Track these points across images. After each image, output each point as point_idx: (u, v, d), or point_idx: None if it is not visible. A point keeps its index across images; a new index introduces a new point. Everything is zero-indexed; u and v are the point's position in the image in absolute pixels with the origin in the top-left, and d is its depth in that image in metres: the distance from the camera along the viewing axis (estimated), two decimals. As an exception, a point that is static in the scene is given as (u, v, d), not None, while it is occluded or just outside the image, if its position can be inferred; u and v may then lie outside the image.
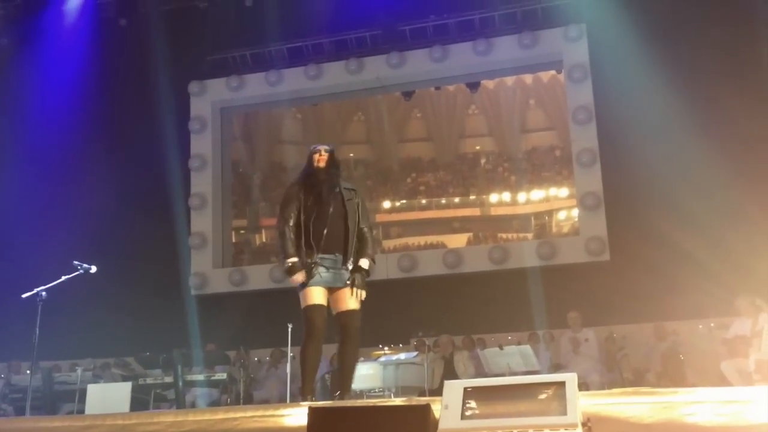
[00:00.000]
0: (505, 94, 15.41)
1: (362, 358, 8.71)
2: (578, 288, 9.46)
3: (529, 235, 14.59)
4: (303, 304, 4.63)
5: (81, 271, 6.37)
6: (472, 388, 3.29)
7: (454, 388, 3.29)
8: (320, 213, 4.62)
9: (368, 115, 16.41)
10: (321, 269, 4.58)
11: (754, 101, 9.28)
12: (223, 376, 8.41)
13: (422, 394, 7.75)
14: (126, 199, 11.12)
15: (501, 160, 16.16)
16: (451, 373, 8.48)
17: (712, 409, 3.01)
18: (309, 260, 4.58)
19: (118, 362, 9.56)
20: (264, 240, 15.48)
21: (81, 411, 6.93)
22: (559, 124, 14.50)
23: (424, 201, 16.18)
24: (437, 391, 7.27)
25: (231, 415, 3.84)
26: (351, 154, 16.74)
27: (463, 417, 3.18)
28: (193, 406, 8.28)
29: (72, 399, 7.95)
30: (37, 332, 6.07)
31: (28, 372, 8.36)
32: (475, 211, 15.87)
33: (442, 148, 16.65)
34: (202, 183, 12.25)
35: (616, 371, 8.44)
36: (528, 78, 14.60)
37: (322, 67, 12.05)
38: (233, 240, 13.49)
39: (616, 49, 10.09)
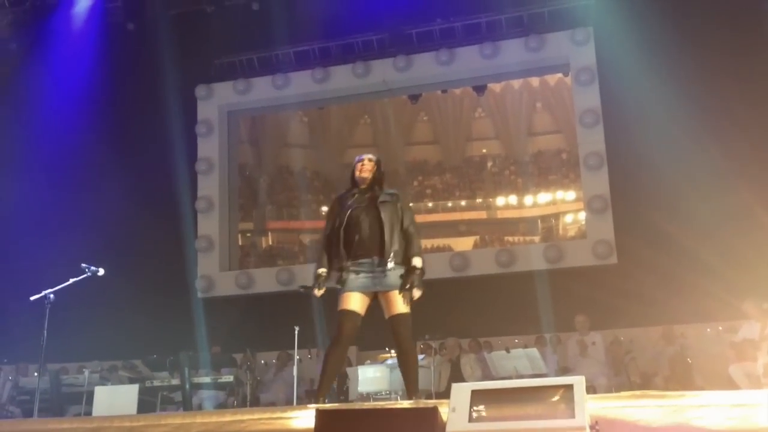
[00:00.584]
0: (512, 97, 15.40)
1: (368, 361, 8.75)
2: (585, 291, 9.43)
3: (536, 239, 14.57)
4: (338, 309, 4.60)
5: (89, 273, 6.39)
6: (480, 390, 3.28)
7: (461, 391, 3.29)
8: (351, 220, 4.57)
9: (375, 119, 16.43)
10: (352, 275, 4.52)
11: (761, 104, 9.25)
12: (229, 378, 8.43)
13: (429, 397, 7.73)
14: (133, 201, 11.15)
15: (508, 163, 16.15)
16: (457, 376, 8.47)
17: (721, 413, 3.00)
18: (340, 267, 4.56)
19: (125, 365, 9.58)
20: (270, 243, 15.51)
21: (88, 413, 6.94)
22: (565, 128, 14.47)
23: (430, 204, 16.18)
24: (444, 394, 7.26)
25: (238, 417, 3.84)
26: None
27: (470, 420, 3.18)
28: (199, 408, 8.30)
29: (79, 401, 7.97)
30: (45, 334, 6.09)
31: (35, 374, 8.39)
32: (482, 215, 15.86)
33: (449, 152, 16.65)
34: (209, 186, 12.29)
35: (624, 375, 8.41)
36: (535, 81, 14.60)
37: (329, 70, 12.08)
38: (240, 243, 13.52)
39: (623, 53, 10.07)
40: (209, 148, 12.44)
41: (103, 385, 7.98)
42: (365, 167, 4.73)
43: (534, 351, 7.82)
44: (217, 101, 12.57)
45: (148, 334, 9.99)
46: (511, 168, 16.08)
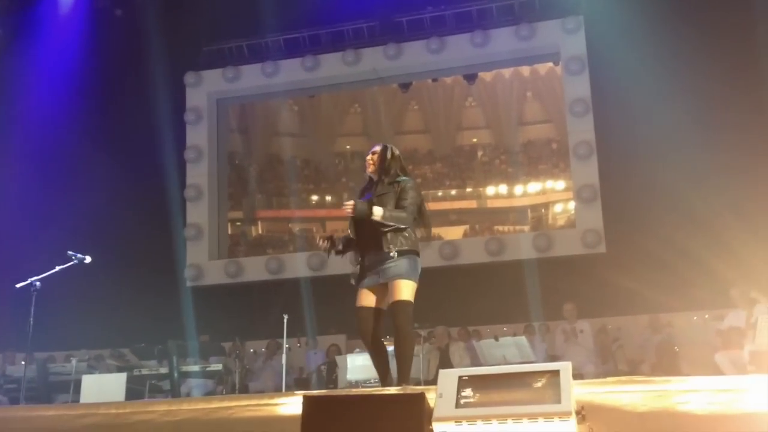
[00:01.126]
0: (502, 86, 15.37)
1: (357, 350, 8.73)
2: (574, 280, 9.48)
3: (526, 228, 14.59)
4: None
5: (75, 261, 6.34)
6: (467, 376, 3.29)
7: (448, 377, 3.29)
8: (356, 219, 4.55)
9: (365, 107, 16.37)
10: (361, 272, 4.58)
11: (751, 93, 9.29)
12: (218, 367, 8.43)
13: (417, 384, 7.74)
14: (121, 189, 11.08)
15: (498, 152, 16.13)
16: (446, 364, 8.49)
17: (706, 398, 3.01)
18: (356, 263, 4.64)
19: (113, 353, 9.54)
20: (260, 232, 15.46)
21: (76, 401, 6.93)
22: (556, 117, 14.47)
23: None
24: (433, 382, 7.26)
25: (225, 404, 3.83)
26: (348, 147, 16.71)
27: (457, 405, 3.18)
28: (188, 396, 8.28)
29: (67, 390, 7.94)
30: (32, 322, 6.05)
31: (23, 363, 8.33)
32: (472, 204, 15.87)
33: (439, 141, 16.62)
34: (198, 174, 12.23)
35: (611, 362, 8.46)
36: (525, 70, 14.57)
37: (319, 58, 12.03)
38: (229, 232, 13.48)
39: (613, 41, 10.07)
40: (198, 136, 12.38)
41: (90, 373, 7.94)
42: (369, 163, 4.76)
43: (522, 339, 7.85)
44: (206, 89, 12.50)
45: (136, 322, 9.96)
46: (501, 157, 16.07)
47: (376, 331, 4.61)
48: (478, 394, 3.21)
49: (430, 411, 3.22)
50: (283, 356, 7.68)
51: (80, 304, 10.04)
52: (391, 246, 4.46)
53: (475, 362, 8.15)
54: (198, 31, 11.98)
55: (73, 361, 8.52)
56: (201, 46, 12.30)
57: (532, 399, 3.08)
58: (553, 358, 8.49)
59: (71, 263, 6.34)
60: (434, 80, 13.72)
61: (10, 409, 5.68)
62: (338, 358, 8.64)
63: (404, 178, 4.66)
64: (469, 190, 16.05)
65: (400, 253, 4.47)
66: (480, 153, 16.47)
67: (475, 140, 16.59)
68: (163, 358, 8.20)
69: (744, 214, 8.43)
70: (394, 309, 4.48)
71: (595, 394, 3.18)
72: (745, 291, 7.12)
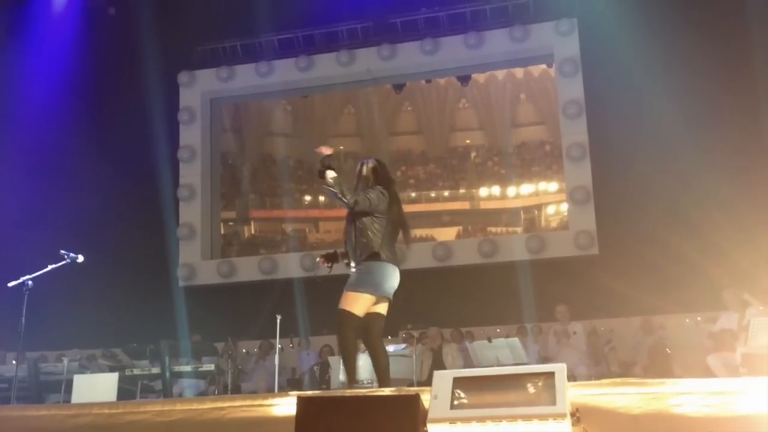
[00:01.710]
0: (496, 88, 15.40)
1: (351, 350, 8.72)
2: (567, 282, 9.50)
3: (519, 229, 14.62)
4: None
5: (68, 260, 6.31)
6: (462, 378, 3.30)
7: (443, 378, 3.30)
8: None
9: (358, 108, 16.36)
10: None
11: (744, 96, 9.33)
12: (210, 367, 8.39)
13: (411, 386, 7.74)
14: (114, 188, 11.04)
15: (491, 154, 16.16)
16: (439, 366, 8.49)
17: (700, 400, 3.03)
18: None
19: (105, 353, 9.50)
20: (253, 232, 15.43)
21: (67, 401, 6.87)
22: (549, 119, 14.51)
23: (413, 194, 16.16)
24: (426, 383, 7.27)
25: (219, 404, 3.82)
26: (341, 147, 16.68)
27: (452, 407, 3.19)
28: (180, 397, 8.24)
29: (58, 389, 7.89)
30: (23, 321, 6.02)
31: (14, 362, 8.28)
32: (465, 205, 15.89)
33: (433, 142, 16.64)
34: (191, 174, 12.20)
35: (604, 364, 8.49)
36: (519, 72, 14.61)
37: (313, 58, 12.02)
38: (222, 231, 13.45)
39: (607, 44, 10.11)
40: (192, 135, 12.35)
41: (82, 373, 7.89)
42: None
43: (515, 341, 7.85)
44: (199, 88, 12.47)
45: (128, 322, 9.92)
46: (494, 159, 16.10)
47: (363, 335, 4.78)
48: (473, 396, 3.21)
49: (425, 412, 3.22)
50: (276, 357, 7.67)
51: (72, 303, 9.99)
52: (352, 259, 4.70)
53: (468, 363, 8.16)
54: (192, 31, 11.93)
55: (65, 361, 8.46)
56: (195, 46, 12.27)
57: (527, 401, 3.09)
58: (546, 360, 8.51)
59: (63, 262, 6.31)
60: (428, 81, 13.74)
61: (3, 408, 5.64)
62: (331, 359, 8.63)
63: (378, 186, 4.82)
64: (462, 191, 16.06)
65: (358, 264, 4.65)
66: (473, 154, 16.49)
67: (468, 141, 16.60)
68: (155, 358, 8.16)
69: (736, 216, 8.48)
70: (337, 315, 4.68)
71: (589, 396, 3.19)
72: (738, 293, 7.15)
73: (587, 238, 10.33)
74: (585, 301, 9.21)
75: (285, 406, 3.60)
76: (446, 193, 16.11)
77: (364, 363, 7.88)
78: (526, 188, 15.53)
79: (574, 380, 7.39)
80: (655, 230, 9.08)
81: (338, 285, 4.79)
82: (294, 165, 15.98)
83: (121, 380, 6.77)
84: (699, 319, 8.86)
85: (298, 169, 16.07)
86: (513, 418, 3.03)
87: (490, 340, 8.04)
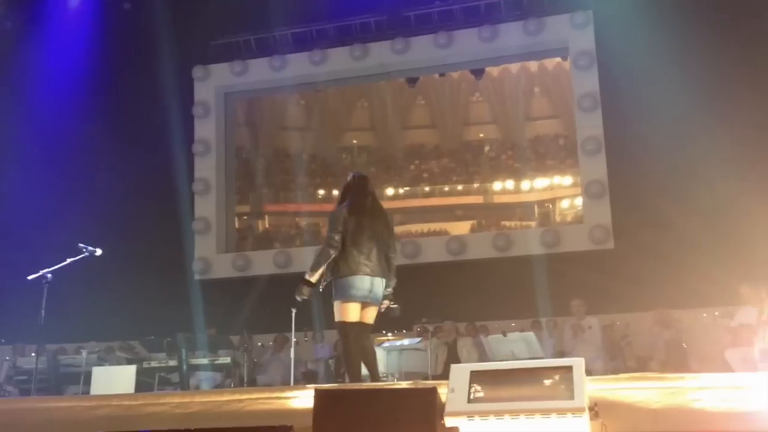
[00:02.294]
0: (510, 81, 15.32)
1: (365, 344, 8.74)
2: (582, 276, 9.44)
3: (533, 224, 14.57)
4: None
5: (86, 253, 6.38)
6: (479, 371, 3.29)
7: (460, 372, 3.30)
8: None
9: (372, 102, 16.34)
10: None
11: (762, 87, 9.23)
12: (226, 360, 8.44)
13: (425, 379, 7.77)
14: (130, 182, 11.12)
15: (505, 148, 16.10)
16: (454, 360, 8.50)
17: (720, 395, 3.02)
18: None
19: (123, 345, 9.58)
20: (267, 226, 15.48)
21: (86, 393, 6.96)
22: (563, 113, 14.43)
23: (427, 188, 16.15)
24: (440, 377, 7.29)
25: (237, 396, 3.85)
26: (354, 141, 16.70)
27: (469, 400, 3.19)
28: (197, 389, 8.31)
29: (77, 381, 7.98)
30: (43, 314, 6.08)
31: (33, 354, 8.37)
32: (479, 199, 15.85)
33: (446, 136, 16.59)
34: (206, 168, 12.25)
35: (620, 359, 8.45)
36: (533, 65, 14.52)
37: (327, 52, 12.02)
38: (236, 225, 13.51)
39: (622, 36, 10.02)
40: (206, 129, 12.40)
41: (100, 365, 7.98)
42: None
43: (531, 335, 7.84)
44: (214, 83, 12.51)
45: (145, 315, 9.99)
46: (508, 153, 16.04)
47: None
48: (490, 390, 3.21)
49: (442, 405, 3.23)
50: (291, 350, 7.71)
51: (90, 296, 10.07)
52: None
53: (483, 358, 8.16)
54: (206, 25, 11.95)
55: (84, 353, 8.56)
56: (209, 40, 12.30)
57: (544, 395, 3.08)
58: (561, 354, 8.49)
59: (82, 256, 6.37)
60: (441, 75, 13.69)
61: (23, 400, 5.71)
62: (345, 352, 8.63)
63: (340, 206, 5.12)
64: (475, 185, 16.02)
65: (334, 279, 5.00)
66: (487, 148, 16.43)
67: (481, 135, 16.55)
68: (172, 350, 8.22)
69: (754, 209, 8.40)
70: None
71: (608, 390, 3.18)
72: (756, 288, 7.08)
73: (602, 232, 10.28)
74: (600, 296, 9.16)
75: (303, 398, 3.63)
76: (460, 187, 16.07)
77: (378, 357, 7.94)
78: (540, 182, 15.46)
79: (590, 375, 7.38)
80: (672, 224, 9.02)
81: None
82: (308, 159, 16.00)
83: (138, 372, 6.85)
84: (717, 313, 8.78)
85: (311, 163, 16.09)
86: (531, 412, 3.02)
87: (505, 335, 8.03)
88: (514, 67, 14.62)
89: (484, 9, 11.51)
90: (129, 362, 8.36)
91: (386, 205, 16.03)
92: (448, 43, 11.55)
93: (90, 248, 6.37)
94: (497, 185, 15.88)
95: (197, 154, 12.23)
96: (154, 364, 8.22)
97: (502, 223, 14.91)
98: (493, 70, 14.07)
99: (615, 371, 7.76)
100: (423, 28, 11.75)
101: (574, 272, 9.65)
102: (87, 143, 11.28)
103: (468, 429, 3.14)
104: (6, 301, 9.22)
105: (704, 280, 8.41)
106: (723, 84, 9.35)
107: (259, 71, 12.40)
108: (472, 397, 3.21)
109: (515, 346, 7.60)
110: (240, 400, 3.81)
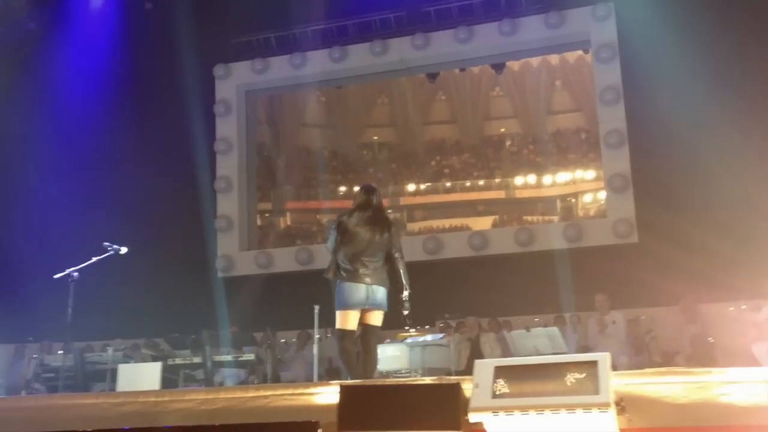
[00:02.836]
0: (531, 75, 15.24)
1: (388, 340, 8.76)
2: (606, 270, 9.36)
3: (555, 218, 14.49)
4: None
5: (111, 252, 6.45)
6: (503, 366, 3.28)
7: (484, 367, 3.29)
8: None
9: (392, 98, 16.34)
10: None
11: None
12: (250, 356, 8.49)
13: (448, 375, 7.75)
14: (153, 181, 11.21)
15: (526, 142, 16.03)
16: (477, 355, 8.46)
17: (748, 389, 2.98)
18: None
19: (148, 343, 9.67)
20: (288, 223, 15.56)
21: (112, 390, 7.03)
22: (585, 106, 14.32)
23: (448, 184, 16.13)
24: (463, 373, 7.28)
25: (262, 393, 3.88)
26: (375, 138, 16.72)
27: (494, 396, 3.18)
28: (221, 386, 8.37)
29: (103, 379, 8.08)
30: (70, 312, 6.16)
31: (60, 352, 8.50)
32: (500, 194, 15.80)
33: (467, 131, 16.55)
34: (228, 166, 12.33)
35: (645, 354, 8.36)
36: (554, 59, 14.43)
37: (347, 49, 12.01)
38: (258, 223, 13.58)
39: (644, 28, 9.90)
40: (228, 127, 12.47)
41: (126, 362, 8.07)
42: None
43: (554, 330, 7.78)
44: (235, 81, 12.57)
45: (169, 312, 10.07)
46: (529, 147, 15.96)
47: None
48: (514, 385, 3.20)
49: (466, 401, 3.23)
50: (315, 346, 7.72)
51: (116, 294, 10.18)
52: None
53: (506, 353, 8.12)
54: (227, 24, 12.03)
55: (110, 351, 8.67)
56: (230, 39, 12.36)
57: (570, 390, 3.07)
58: (585, 350, 8.42)
59: (107, 254, 6.45)
60: (462, 70, 13.64)
61: (50, 397, 5.80)
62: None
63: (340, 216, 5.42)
64: (497, 180, 15.97)
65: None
66: (508, 143, 16.37)
67: (503, 130, 16.48)
68: (196, 347, 8.29)
69: (781, 202, 8.27)
70: None
71: (633, 385, 3.15)
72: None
73: (626, 226, 10.18)
74: (625, 290, 9.07)
75: (327, 394, 3.64)
76: (481, 183, 16.03)
77: (402, 353, 7.96)
78: (563, 176, 15.37)
79: (615, 370, 7.32)
80: (696, 217, 8.90)
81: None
82: (328, 156, 16.06)
83: (163, 369, 6.89)
84: (743, 307, 8.67)
85: (332, 159, 16.14)
86: (556, 407, 3.01)
87: (528, 330, 7.99)
88: (534, 61, 14.54)
89: (505, 3, 11.43)
90: (154, 359, 8.44)
91: (407, 201, 16.18)
92: (469, 37, 11.50)
93: (115, 247, 6.45)
94: (519, 180, 15.81)
95: (219, 152, 12.31)
96: (178, 361, 8.29)
97: (524, 217, 14.85)
98: (513, 64, 14.00)
99: (640, 366, 7.67)
100: (443, 23, 11.70)
101: (598, 267, 9.57)
102: (110, 143, 11.41)
103: (493, 425, 3.14)
104: (33, 300, 9.36)
105: (730, 274, 8.29)
106: (746, 74, 9.20)
107: (279, 69, 12.44)
108: (496, 392, 3.20)
109: (539, 342, 7.55)
110: (265, 397, 3.83)
